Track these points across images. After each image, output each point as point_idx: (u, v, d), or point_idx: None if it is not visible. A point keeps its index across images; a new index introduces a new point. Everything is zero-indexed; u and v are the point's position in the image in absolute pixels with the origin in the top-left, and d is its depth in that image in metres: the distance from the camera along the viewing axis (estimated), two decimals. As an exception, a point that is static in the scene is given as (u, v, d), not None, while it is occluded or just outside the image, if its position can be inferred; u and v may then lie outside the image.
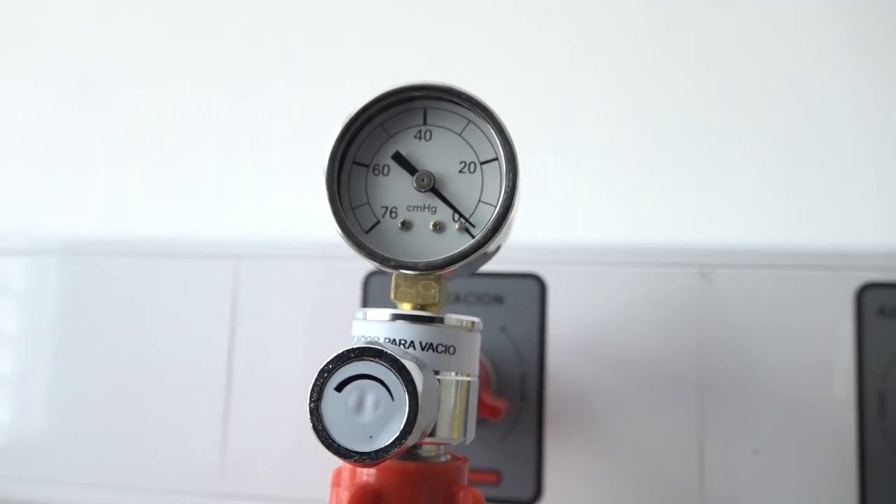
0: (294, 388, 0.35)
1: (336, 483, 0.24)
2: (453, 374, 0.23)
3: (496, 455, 0.34)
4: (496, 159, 0.24)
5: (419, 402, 0.18)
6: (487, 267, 0.35)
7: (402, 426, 0.18)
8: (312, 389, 0.19)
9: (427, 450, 0.23)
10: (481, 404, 0.29)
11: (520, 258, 0.35)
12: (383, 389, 0.19)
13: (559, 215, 0.39)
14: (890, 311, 0.32)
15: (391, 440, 0.18)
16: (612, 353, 0.34)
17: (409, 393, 0.18)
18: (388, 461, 0.23)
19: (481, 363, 0.33)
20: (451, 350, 0.23)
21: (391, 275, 0.24)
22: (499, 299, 0.35)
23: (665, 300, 0.34)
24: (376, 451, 0.18)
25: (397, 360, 0.19)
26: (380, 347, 0.19)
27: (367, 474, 0.22)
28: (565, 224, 0.39)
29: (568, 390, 0.34)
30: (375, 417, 0.18)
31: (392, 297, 0.24)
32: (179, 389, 0.36)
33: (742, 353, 0.33)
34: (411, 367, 0.19)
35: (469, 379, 0.24)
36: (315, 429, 0.19)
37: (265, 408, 0.35)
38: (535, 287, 0.35)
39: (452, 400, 0.23)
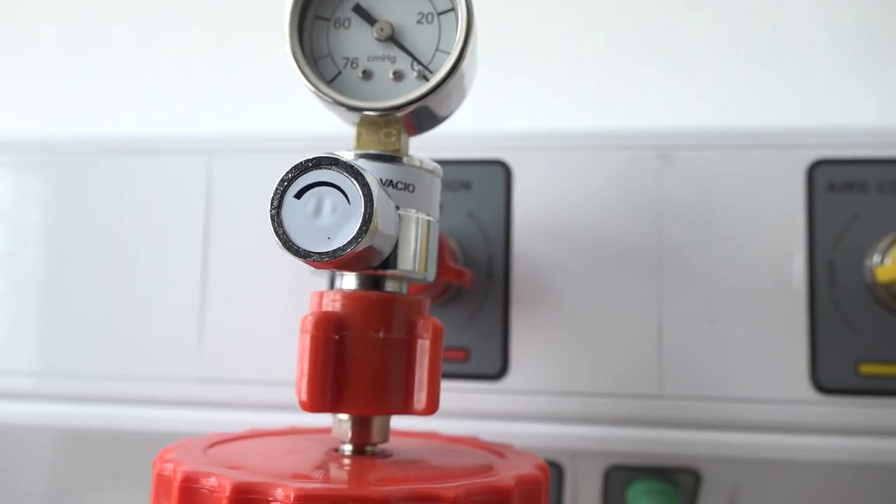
0: (269, 277, 0.36)
1: (304, 329, 0.25)
2: (413, 211, 0.24)
3: (464, 333, 0.35)
4: (453, 9, 0.25)
5: (374, 203, 0.19)
6: (455, 154, 0.36)
7: (357, 226, 0.19)
8: (273, 197, 0.20)
9: (391, 284, 0.24)
10: (446, 268, 0.30)
11: (486, 146, 0.36)
12: (340, 195, 0.20)
13: (525, 105, 0.40)
14: (839, 186, 0.34)
15: (347, 240, 0.19)
16: (576, 233, 0.35)
17: (364, 196, 0.19)
18: (352, 292, 0.24)
19: (447, 241, 0.34)
20: (411, 188, 0.24)
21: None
22: (466, 185, 0.36)
23: (626, 182, 0.35)
24: (333, 251, 0.19)
25: (352, 165, 0.20)
26: (336, 156, 0.20)
27: (332, 305, 0.24)
28: (530, 113, 0.40)
29: (533, 270, 0.35)
30: (333, 220, 0.19)
31: (355, 146, 0.25)
32: (157, 281, 0.37)
33: (699, 229, 0.34)
34: (366, 173, 0.20)
35: (429, 219, 0.25)
36: (276, 233, 0.20)
37: (241, 297, 0.36)
38: (501, 173, 0.36)
39: (413, 235, 0.24)
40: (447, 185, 0.36)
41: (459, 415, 0.34)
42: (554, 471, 0.35)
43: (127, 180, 0.38)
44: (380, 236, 0.20)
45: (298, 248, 0.19)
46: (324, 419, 0.28)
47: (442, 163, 0.36)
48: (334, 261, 0.19)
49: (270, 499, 0.19)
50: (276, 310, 0.36)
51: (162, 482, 0.22)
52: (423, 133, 0.27)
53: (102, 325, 0.37)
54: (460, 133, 0.35)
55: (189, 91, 0.43)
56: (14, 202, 0.39)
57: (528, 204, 0.35)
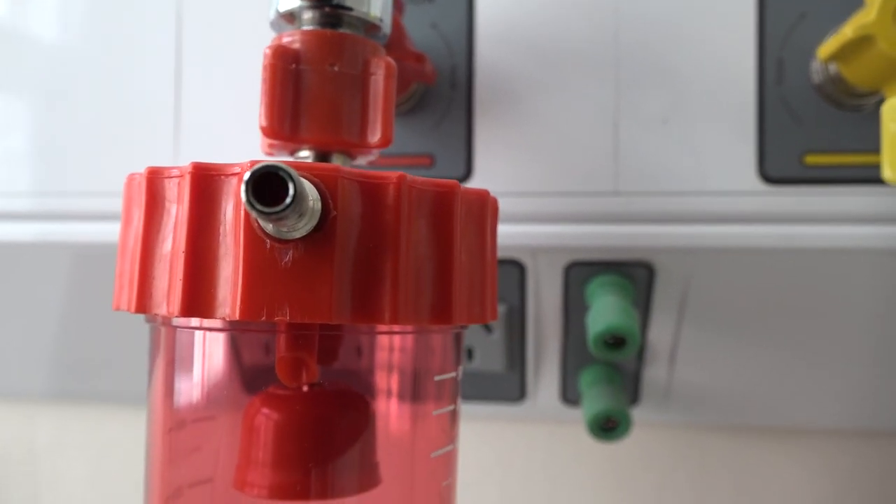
0: (245, 79, 0.37)
1: (263, 63, 0.25)
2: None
3: (429, 141, 0.37)
4: None
5: None
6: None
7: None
8: None
9: (347, 27, 0.25)
10: (406, 51, 0.32)
11: (448, -42, 0.37)
12: None
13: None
14: (789, -14, 0.35)
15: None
16: (537, 40, 0.36)
17: None
18: (309, 30, 0.25)
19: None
20: (364, -66, 0.25)
21: None
22: (429, -2, 0.37)
23: (584, -11, 0.36)
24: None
25: None
26: None
27: (289, 42, 0.25)
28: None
29: (495, 78, 0.36)
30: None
31: None
32: (132, 75, 0.38)
33: (654, 33, 0.35)
34: None
35: (383, -33, 0.26)
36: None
37: (216, 88, 0.37)
38: (463, -15, 0.37)
39: (367, -22, 0.25)
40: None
41: (426, 218, 0.36)
42: (516, 269, 0.37)
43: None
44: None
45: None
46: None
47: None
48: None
49: (228, 173, 0.20)
50: (251, 110, 0.37)
51: (129, 192, 0.23)
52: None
53: (86, 142, 0.38)
54: (423, -53, 0.36)
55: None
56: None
57: (490, 13, 0.36)
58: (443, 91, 0.36)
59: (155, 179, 0.22)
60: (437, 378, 0.24)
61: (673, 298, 0.37)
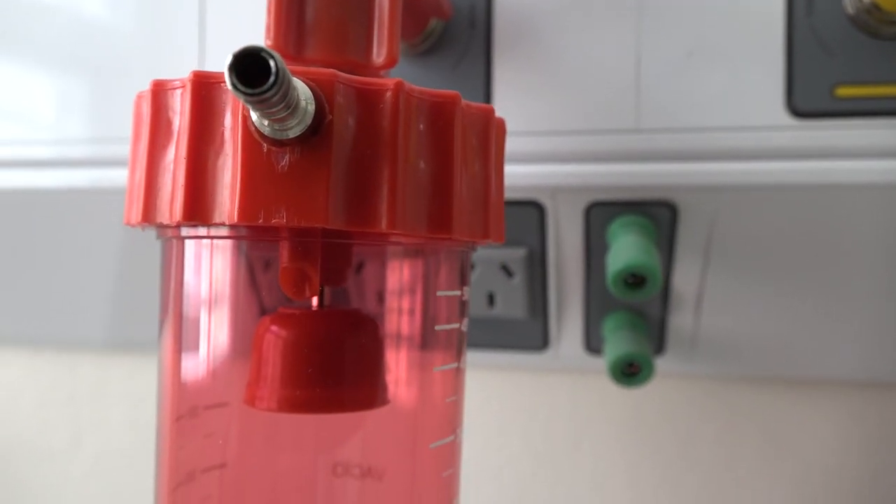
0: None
1: None
2: None
3: (448, 81, 0.36)
4: None
5: None
6: None
7: None
8: None
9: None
10: (419, -18, 0.31)
11: None
12: None
13: None
14: (820, -90, 0.33)
15: None
16: (556, -24, 0.35)
17: None
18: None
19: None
20: None
21: None
22: (447, -63, 0.36)
23: (605, -79, 0.35)
24: None
25: None
26: None
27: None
28: None
29: (514, 14, 0.36)
30: None
31: None
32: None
33: (678, -36, 0.34)
34: None
35: None
36: None
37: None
38: (481, -78, 0.36)
39: None
40: (429, -62, 0.36)
41: (444, 159, 0.36)
42: (535, 211, 0.37)
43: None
44: None
45: None
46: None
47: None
48: None
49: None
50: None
51: (137, 110, 0.24)
52: None
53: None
54: None
55: None
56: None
57: (509, -49, 0.36)
58: (461, 30, 0.36)
59: (159, 92, 0.22)
60: (440, 293, 0.24)
61: (698, 239, 0.36)
